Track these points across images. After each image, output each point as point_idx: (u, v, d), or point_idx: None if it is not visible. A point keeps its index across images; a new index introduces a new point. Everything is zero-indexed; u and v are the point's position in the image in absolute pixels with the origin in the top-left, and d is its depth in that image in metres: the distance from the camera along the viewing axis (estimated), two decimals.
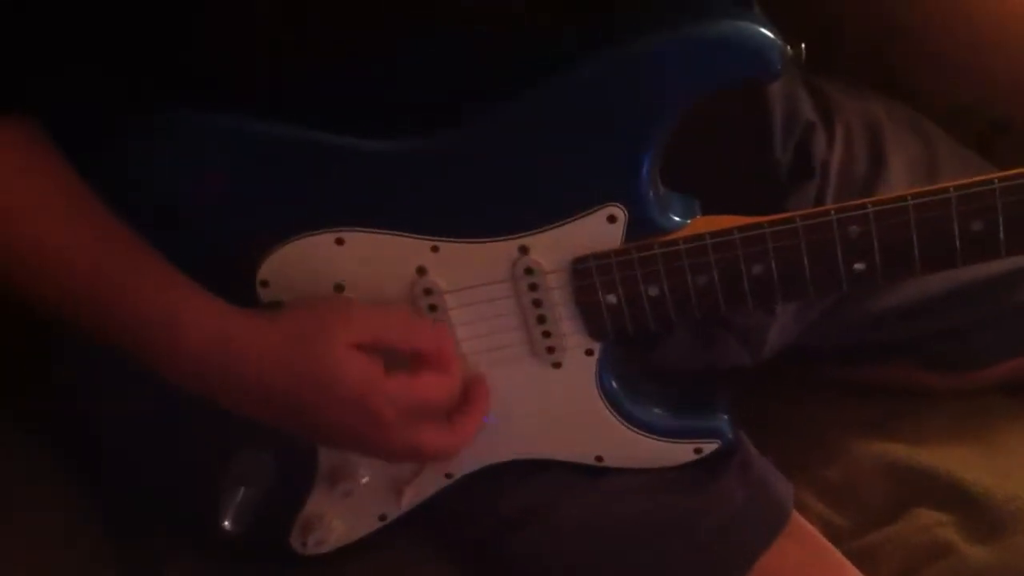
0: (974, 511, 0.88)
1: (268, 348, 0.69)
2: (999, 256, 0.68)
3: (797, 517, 0.82)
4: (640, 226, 0.70)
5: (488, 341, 0.75)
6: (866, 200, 0.67)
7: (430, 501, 0.82)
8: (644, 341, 0.80)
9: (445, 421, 0.73)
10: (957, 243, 0.67)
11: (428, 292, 0.73)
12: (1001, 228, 0.66)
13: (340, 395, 0.68)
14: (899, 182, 0.91)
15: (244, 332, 0.69)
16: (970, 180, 0.66)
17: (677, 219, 0.71)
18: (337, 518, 0.81)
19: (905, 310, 0.91)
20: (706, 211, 0.73)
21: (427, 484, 0.80)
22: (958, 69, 1.07)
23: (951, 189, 0.66)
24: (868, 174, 0.92)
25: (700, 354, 0.86)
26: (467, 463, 0.79)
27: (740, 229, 0.69)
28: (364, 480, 0.80)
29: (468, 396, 0.75)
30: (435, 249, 0.72)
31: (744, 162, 0.86)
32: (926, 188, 0.67)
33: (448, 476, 0.80)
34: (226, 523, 0.77)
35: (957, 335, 0.94)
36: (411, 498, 0.80)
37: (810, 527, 0.83)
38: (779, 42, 0.65)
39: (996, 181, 0.65)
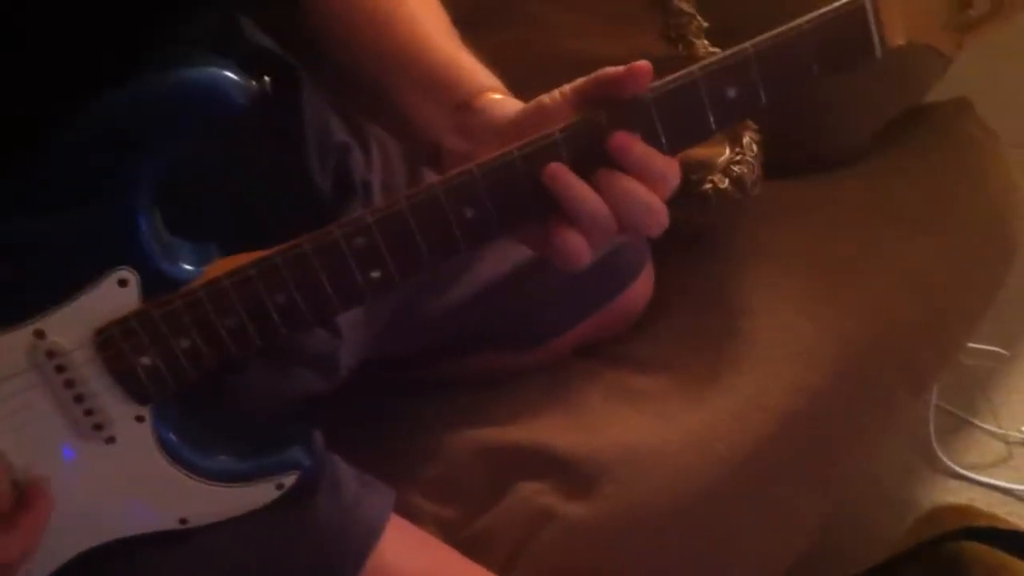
0: (567, 472, 0.94)
1: None
2: (500, 237, 0.72)
3: (400, 521, 0.84)
4: (155, 283, 0.69)
5: (29, 434, 0.71)
6: (366, 212, 0.70)
7: None
8: (214, 388, 0.79)
9: (3, 526, 0.69)
10: (456, 231, 0.70)
11: None
12: (492, 211, 0.70)
13: None
14: None
15: None
16: (455, 173, 0.70)
17: (191, 268, 0.70)
18: None
19: (466, 303, 0.96)
20: (257, 247, 0.73)
21: None
22: None
23: (437, 185, 0.69)
24: (408, 181, 0.95)
25: (275, 389, 0.86)
26: (48, 561, 0.75)
27: (254, 265, 0.70)
28: None
29: (26, 495, 0.71)
30: None
31: (284, 194, 0.87)
32: (417, 189, 0.70)
33: None
34: None
35: (520, 314, 1.00)
36: None
37: (414, 528, 0.86)
38: (239, 79, 0.67)
39: (476, 169, 0.69)
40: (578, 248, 0.69)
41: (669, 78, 0.69)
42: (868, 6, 0.69)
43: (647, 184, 0.69)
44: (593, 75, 0.71)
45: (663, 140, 0.70)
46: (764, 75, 0.69)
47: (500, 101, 0.77)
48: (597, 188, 0.68)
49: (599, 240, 0.70)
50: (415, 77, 0.80)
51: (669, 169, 0.70)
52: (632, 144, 0.68)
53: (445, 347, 0.99)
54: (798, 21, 0.70)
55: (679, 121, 0.69)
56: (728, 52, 0.70)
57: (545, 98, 0.73)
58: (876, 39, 0.70)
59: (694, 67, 0.69)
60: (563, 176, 0.68)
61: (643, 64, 0.68)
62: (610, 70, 0.69)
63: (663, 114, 0.69)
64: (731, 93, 0.70)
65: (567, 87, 0.72)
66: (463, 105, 0.77)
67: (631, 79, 0.68)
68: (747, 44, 0.70)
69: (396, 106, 0.82)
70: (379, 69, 0.83)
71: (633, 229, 0.70)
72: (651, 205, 0.69)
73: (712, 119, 0.70)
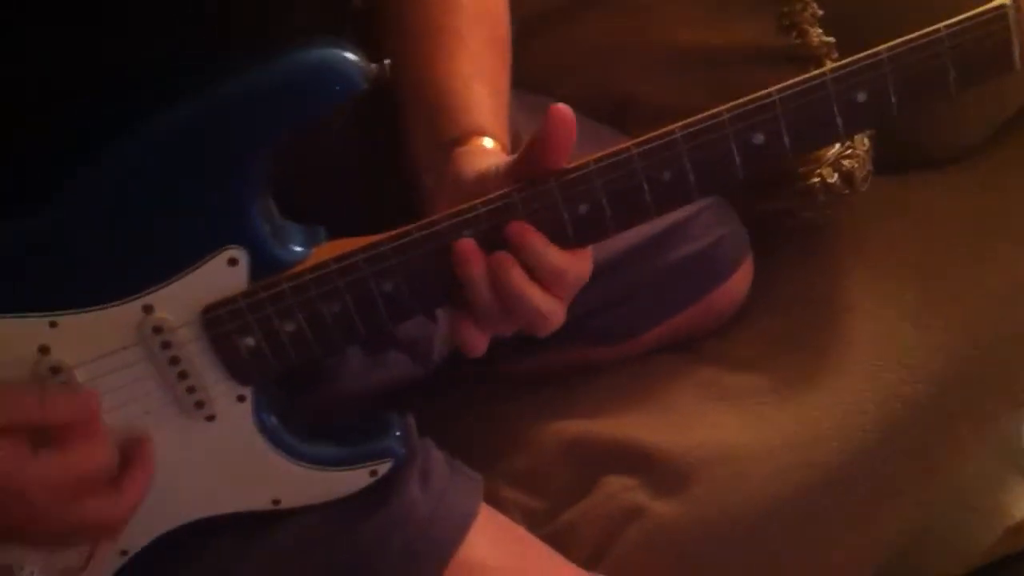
0: (657, 469, 0.93)
1: None
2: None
3: (489, 511, 0.83)
4: (264, 264, 0.69)
5: (131, 409, 0.71)
6: (477, 202, 0.68)
7: None
8: (311, 372, 0.79)
9: (108, 488, 0.69)
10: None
11: (56, 371, 0.69)
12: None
13: None
14: None
15: None
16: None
17: (300, 250, 0.70)
18: None
19: None
20: (360, 231, 0.72)
21: (103, 567, 0.76)
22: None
23: (553, 181, 0.67)
24: None
25: (371, 374, 0.86)
26: (141, 534, 0.76)
27: (363, 250, 0.69)
28: None
29: (130, 456, 0.71)
30: (54, 325, 0.68)
31: (383, 174, 0.86)
32: (527, 181, 0.68)
33: (124, 553, 0.76)
34: None
35: (614, 307, 0.98)
36: None
37: (503, 518, 0.85)
38: (358, 61, 0.66)
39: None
40: (469, 336, 0.68)
41: (799, 79, 0.67)
42: (1011, 15, 0.66)
43: (542, 280, 0.66)
44: (516, 153, 0.68)
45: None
46: (896, 81, 0.66)
47: (478, 152, 0.74)
48: (492, 276, 0.66)
49: (493, 328, 0.68)
50: (420, 100, 0.79)
51: (571, 267, 0.67)
52: (525, 236, 0.66)
53: (536, 339, 0.98)
54: (934, 27, 0.67)
55: (806, 122, 0.67)
56: (860, 55, 0.67)
57: (491, 170, 0.70)
58: (1016, 50, 0.67)
59: (825, 68, 0.67)
60: (463, 255, 0.66)
61: (559, 108, 0.64)
62: (529, 140, 0.66)
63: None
64: (861, 97, 0.67)
65: (504, 162, 0.69)
66: (449, 144, 0.75)
67: (553, 134, 0.64)
68: (881, 48, 0.67)
69: (402, 122, 0.80)
70: (402, 79, 0.80)
71: (521, 325, 0.68)
72: (538, 308, 0.67)
73: (840, 123, 0.67)
